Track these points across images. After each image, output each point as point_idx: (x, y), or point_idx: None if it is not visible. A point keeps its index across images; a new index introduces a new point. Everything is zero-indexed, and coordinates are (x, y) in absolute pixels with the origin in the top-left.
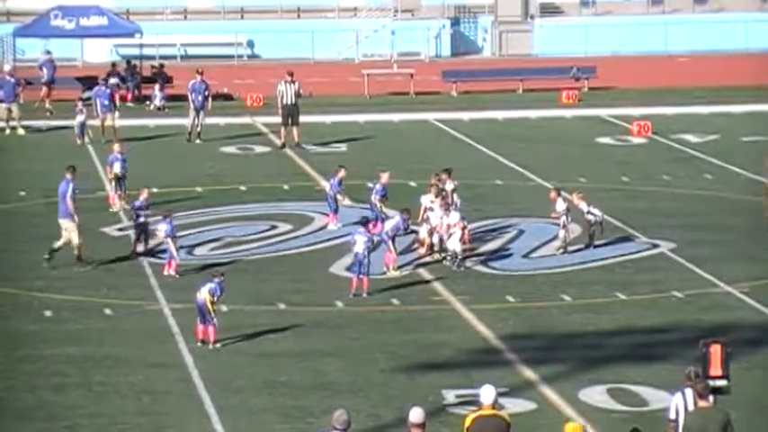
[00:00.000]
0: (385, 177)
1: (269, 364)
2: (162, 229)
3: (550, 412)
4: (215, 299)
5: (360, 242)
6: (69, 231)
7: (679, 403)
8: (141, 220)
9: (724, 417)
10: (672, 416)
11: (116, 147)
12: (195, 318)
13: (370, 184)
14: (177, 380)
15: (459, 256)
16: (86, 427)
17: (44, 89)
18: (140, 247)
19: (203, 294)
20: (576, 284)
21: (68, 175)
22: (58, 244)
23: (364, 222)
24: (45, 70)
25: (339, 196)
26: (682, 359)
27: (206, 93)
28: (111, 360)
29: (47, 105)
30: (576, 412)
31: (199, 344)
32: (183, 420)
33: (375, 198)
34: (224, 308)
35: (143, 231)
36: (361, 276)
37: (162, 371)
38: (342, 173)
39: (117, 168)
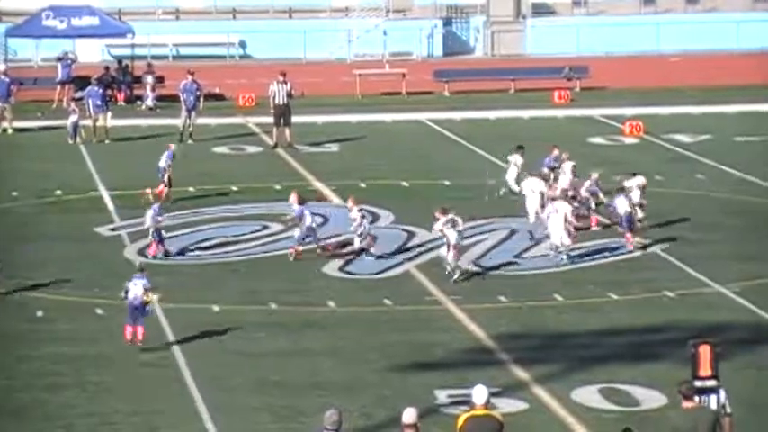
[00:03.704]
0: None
1: (261, 363)
2: (149, 215)
3: (543, 412)
4: (148, 295)
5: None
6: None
7: None
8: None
9: (712, 416)
10: None
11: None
12: (125, 318)
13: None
14: (170, 379)
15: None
16: (80, 426)
17: (59, 89)
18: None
19: (138, 292)
20: (569, 284)
21: None
22: None
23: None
24: (60, 70)
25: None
26: (674, 359)
27: (197, 93)
28: (104, 359)
29: (64, 105)
30: (568, 412)
31: (138, 342)
32: (175, 419)
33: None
34: (216, 308)
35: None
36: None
37: (154, 370)
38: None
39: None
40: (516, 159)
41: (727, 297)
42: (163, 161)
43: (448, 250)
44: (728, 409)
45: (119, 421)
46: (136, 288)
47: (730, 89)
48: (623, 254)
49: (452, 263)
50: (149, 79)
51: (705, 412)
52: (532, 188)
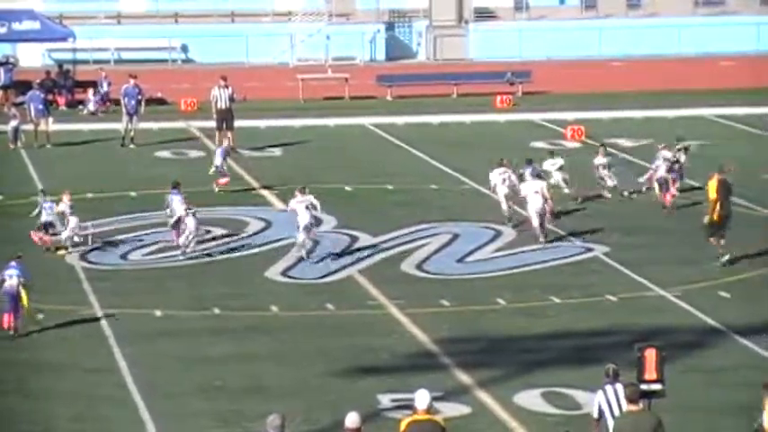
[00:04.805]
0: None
1: (204, 368)
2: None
3: (485, 416)
4: (24, 281)
5: None
6: None
7: (602, 401)
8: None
9: (655, 420)
10: (595, 415)
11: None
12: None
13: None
14: (112, 385)
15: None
16: None
17: (0, 93)
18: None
19: (14, 280)
20: (511, 288)
21: None
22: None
23: None
24: (2, 74)
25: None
26: (617, 363)
27: (139, 97)
28: (46, 365)
29: (5, 109)
30: (511, 416)
31: (11, 332)
32: (117, 426)
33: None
34: (158, 312)
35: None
36: None
37: (96, 376)
38: None
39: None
40: (556, 162)
41: (669, 301)
42: (218, 159)
43: (299, 230)
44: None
45: (61, 428)
46: (10, 275)
47: (671, 94)
48: (566, 257)
49: (302, 242)
50: (105, 85)
51: (648, 416)
52: (535, 189)
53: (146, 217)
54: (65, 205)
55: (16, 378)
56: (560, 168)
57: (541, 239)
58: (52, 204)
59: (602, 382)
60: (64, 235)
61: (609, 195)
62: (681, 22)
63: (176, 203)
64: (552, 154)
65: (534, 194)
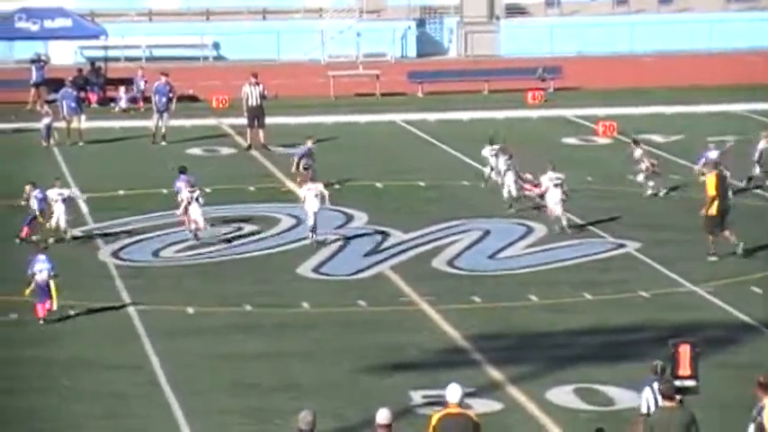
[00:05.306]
0: None
1: (235, 365)
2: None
3: (517, 412)
4: (54, 273)
5: None
6: None
7: (649, 397)
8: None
9: (689, 416)
10: (644, 410)
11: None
12: (37, 300)
13: None
14: (143, 382)
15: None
16: (47, 430)
17: (33, 91)
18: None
19: (44, 274)
20: (543, 285)
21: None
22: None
23: None
24: (34, 72)
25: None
26: (648, 358)
27: (170, 95)
28: (77, 362)
29: (37, 107)
30: (543, 412)
31: (41, 322)
32: (149, 423)
33: None
34: (190, 309)
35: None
36: None
37: (128, 373)
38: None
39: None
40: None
41: (701, 297)
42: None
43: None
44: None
45: (91, 426)
46: (40, 266)
47: (703, 89)
48: (598, 254)
49: (311, 227)
50: (141, 84)
51: (683, 412)
52: (554, 182)
53: (177, 214)
54: (54, 192)
55: (47, 376)
56: (496, 155)
57: (566, 229)
58: (43, 194)
59: (647, 378)
60: (62, 223)
61: (650, 192)
62: (713, 18)
63: (183, 188)
64: (491, 141)
65: (554, 187)
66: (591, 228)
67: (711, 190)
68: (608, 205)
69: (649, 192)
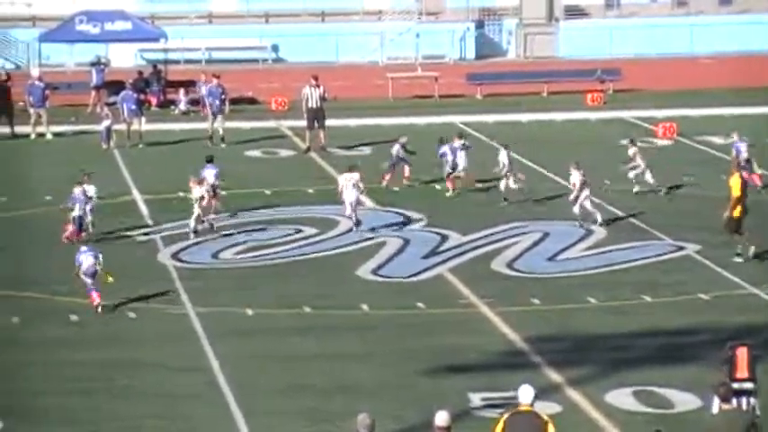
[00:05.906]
0: None
1: (294, 367)
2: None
3: (576, 415)
4: (99, 261)
5: None
6: None
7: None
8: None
9: (748, 419)
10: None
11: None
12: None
13: None
14: (203, 383)
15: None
16: (107, 430)
17: (93, 93)
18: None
19: (90, 260)
20: (602, 287)
21: None
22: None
23: None
24: (94, 75)
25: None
26: (708, 361)
27: (222, 97)
28: (137, 364)
29: (97, 110)
30: (602, 414)
31: (99, 309)
32: (208, 424)
33: None
34: (249, 311)
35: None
36: None
37: (187, 374)
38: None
39: None
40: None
41: (762, 299)
42: (394, 150)
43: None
44: (758, 412)
45: (151, 426)
46: (88, 258)
47: (763, 90)
48: (657, 256)
49: (349, 215)
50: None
51: (741, 415)
52: (581, 179)
53: (235, 216)
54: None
55: (106, 377)
56: (465, 148)
57: (599, 220)
58: (82, 198)
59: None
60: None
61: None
62: None
63: (209, 177)
64: (461, 135)
65: (582, 184)
66: (651, 230)
67: (736, 191)
68: (668, 207)
69: (637, 188)
